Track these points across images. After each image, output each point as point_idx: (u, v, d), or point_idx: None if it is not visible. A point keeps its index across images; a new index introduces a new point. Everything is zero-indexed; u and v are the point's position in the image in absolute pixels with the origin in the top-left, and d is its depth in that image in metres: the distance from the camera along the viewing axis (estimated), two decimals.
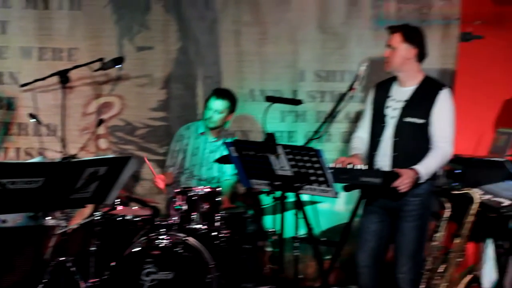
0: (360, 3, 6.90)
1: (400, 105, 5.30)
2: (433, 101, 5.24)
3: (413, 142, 5.26)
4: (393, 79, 5.45)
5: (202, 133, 6.51)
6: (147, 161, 6.27)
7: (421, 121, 5.24)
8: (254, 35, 6.86)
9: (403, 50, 5.29)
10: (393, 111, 5.31)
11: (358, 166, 5.09)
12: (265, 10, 6.86)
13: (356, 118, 6.72)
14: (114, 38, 6.78)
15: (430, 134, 5.25)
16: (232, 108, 6.47)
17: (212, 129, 6.47)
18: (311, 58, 6.90)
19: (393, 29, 5.41)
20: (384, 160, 5.29)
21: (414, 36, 5.33)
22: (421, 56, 5.34)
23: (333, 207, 6.82)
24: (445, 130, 5.24)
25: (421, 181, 5.13)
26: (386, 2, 6.93)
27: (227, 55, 6.87)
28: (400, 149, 5.26)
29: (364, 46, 6.88)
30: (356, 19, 6.91)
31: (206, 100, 6.46)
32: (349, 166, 5.13)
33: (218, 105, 6.37)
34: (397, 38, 5.31)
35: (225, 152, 6.30)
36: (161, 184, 6.25)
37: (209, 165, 6.50)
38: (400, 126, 5.27)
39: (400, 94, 5.35)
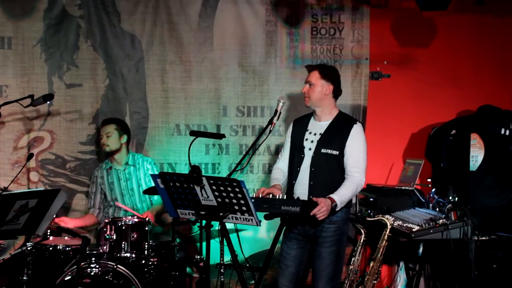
0: (277, 43, 6.97)
1: (317, 138, 5.38)
2: (347, 135, 5.33)
3: (328, 172, 5.32)
4: (310, 114, 5.54)
5: (109, 168, 6.47)
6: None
7: (335, 152, 5.31)
8: (178, 73, 6.85)
9: (320, 86, 5.38)
10: (310, 143, 5.38)
11: (278, 196, 5.11)
12: (188, 49, 6.86)
13: (276, 151, 6.78)
14: (44, 75, 6.68)
15: (344, 164, 5.32)
16: (121, 131, 6.44)
17: (111, 154, 6.44)
18: (233, 94, 6.92)
19: (311, 67, 5.53)
20: (302, 188, 5.36)
21: (330, 74, 5.44)
22: (336, 92, 5.44)
23: (256, 235, 6.82)
24: (358, 161, 5.31)
25: (337, 209, 5.17)
26: (302, 43, 7.01)
27: (153, 92, 6.83)
28: (316, 179, 5.32)
29: (282, 84, 6.95)
30: (274, 59, 6.97)
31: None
32: (264, 195, 5.16)
33: (105, 130, 6.39)
34: (314, 75, 5.41)
35: (140, 175, 6.30)
36: (65, 223, 6.17)
37: (129, 193, 6.45)
38: (317, 157, 5.33)
39: (316, 128, 5.43)
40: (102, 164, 6.57)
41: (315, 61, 6.88)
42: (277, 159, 5.68)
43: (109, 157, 6.47)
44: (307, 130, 5.46)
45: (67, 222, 6.22)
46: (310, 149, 5.38)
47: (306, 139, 5.43)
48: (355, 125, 5.36)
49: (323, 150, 5.33)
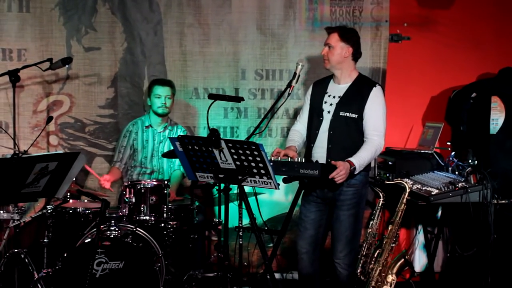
0: (296, 6, 6.91)
1: (336, 101, 5.36)
2: (366, 97, 5.30)
3: (346, 135, 5.32)
4: (330, 77, 5.51)
5: (148, 126, 6.49)
6: (88, 168, 6.22)
7: (354, 115, 5.30)
8: (197, 36, 6.82)
9: (340, 49, 5.35)
10: (329, 106, 5.37)
11: (296, 159, 5.11)
12: (207, 12, 6.83)
13: (295, 114, 6.76)
14: (63, 39, 6.68)
15: (364, 128, 5.30)
16: (174, 93, 6.53)
17: (163, 115, 6.46)
18: (251, 57, 6.89)
19: (330, 30, 5.48)
20: (320, 151, 5.36)
21: (349, 36, 5.39)
22: (356, 55, 5.41)
23: (274, 198, 6.84)
24: (377, 124, 5.29)
25: (356, 172, 5.17)
26: (321, 5, 6.95)
27: (172, 55, 6.82)
28: (335, 142, 5.32)
29: (301, 46, 6.91)
30: (293, 21, 6.91)
31: (149, 93, 6.48)
32: (284, 158, 5.17)
33: (165, 91, 6.43)
34: (334, 38, 5.38)
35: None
36: (107, 185, 6.23)
37: (159, 155, 6.49)
38: (335, 120, 5.33)
39: (336, 90, 5.41)
40: (138, 120, 6.57)
41: (334, 24, 6.84)
42: (295, 121, 5.68)
43: (162, 117, 6.48)
44: (327, 93, 5.44)
45: (108, 179, 6.25)
46: (329, 112, 5.36)
47: (325, 102, 5.41)
48: (374, 88, 5.34)
49: (342, 113, 5.32)
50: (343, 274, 5.36)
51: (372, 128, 5.29)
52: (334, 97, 5.39)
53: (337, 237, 5.37)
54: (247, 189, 5.23)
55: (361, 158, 5.18)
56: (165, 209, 5.87)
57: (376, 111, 5.30)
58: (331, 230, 5.46)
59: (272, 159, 5.12)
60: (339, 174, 5.01)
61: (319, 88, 5.52)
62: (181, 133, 6.50)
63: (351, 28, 5.67)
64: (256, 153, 4.68)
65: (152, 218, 5.85)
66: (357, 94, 5.34)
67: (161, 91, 6.41)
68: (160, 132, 6.51)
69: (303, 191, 5.43)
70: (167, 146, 6.48)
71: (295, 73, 5.41)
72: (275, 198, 6.83)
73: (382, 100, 5.35)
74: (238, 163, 4.78)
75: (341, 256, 5.35)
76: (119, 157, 6.52)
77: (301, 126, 5.59)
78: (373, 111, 5.29)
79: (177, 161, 6.46)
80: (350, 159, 5.13)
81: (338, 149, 5.29)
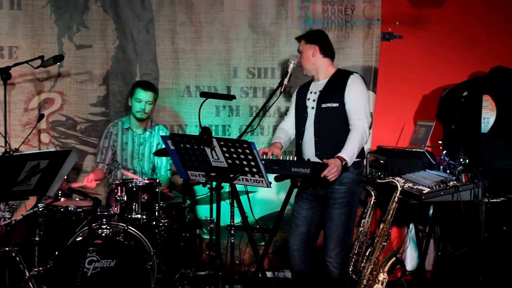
0: (288, 4, 6.92)
1: (317, 95, 5.43)
2: (344, 85, 5.35)
3: (331, 125, 5.36)
4: (312, 80, 5.58)
5: (127, 129, 6.49)
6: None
7: (335, 104, 5.35)
8: (189, 34, 6.81)
9: (307, 51, 5.48)
10: (312, 102, 5.44)
11: (288, 157, 5.12)
12: (199, 10, 6.82)
13: (286, 112, 6.73)
14: (54, 36, 6.65)
15: (347, 114, 5.31)
16: (156, 98, 6.50)
17: (141, 120, 6.44)
18: (243, 56, 6.89)
19: (299, 38, 5.62)
20: (309, 146, 5.41)
21: (313, 37, 5.53)
22: (325, 51, 5.49)
23: (266, 196, 6.84)
24: (358, 108, 5.32)
25: (349, 164, 5.18)
26: (313, 3, 6.96)
27: (164, 53, 6.80)
28: (321, 134, 5.37)
29: (293, 45, 6.81)
30: (285, 19, 6.92)
31: (131, 94, 6.46)
32: (269, 156, 5.22)
33: (147, 96, 6.39)
34: (301, 44, 5.55)
35: (153, 143, 6.31)
36: (93, 185, 6.19)
37: (139, 157, 6.47)
38: (319, 113, 5.39)
39: (316, 87, 5.51)
40: (118, 121, 6.56)
41: (326, 22, 6.86)
42: (282, 120, 5.72)
43: (139, 121, 6.46)
44: (309, 91, 5.53)
45: (92, 178, 6.21)
46: (312, 108, 5.43)
47: (308, 99, 5.49)
48: (351, 76, 5.40)
49: (323, 105, 5.37)
50: (334, 273, 5.37)
51: (353, 112, 5.31)
52: (315, 93, 5.47)
53: (328, 235, 5.38)
54: (238, 187, 5.24)
55: (350, 150, 5.19)
56: (156, 207, 5.86)
57: (354, 95, 5.33)
58: (323, 228, 5.46)
59: (264, 158, 5.13)
60: (331, 172, 5.02)
61: (303, 89, 5.62)
62: (163, 134, 6.49)
63: (317, 29, 5.83)
64: (248, 151, 4.68)
65: (144, 217, 5.84)
66: (336, 85, 5.40)
67: (143, 95, 6.38)
68: (140, 134, 6.50)
69: (295, 189, 5.44)
70: (147, 148, 6.47)
71: (287, 72, 5.44)
72: (267, 196, 6.82)
73: (360, 85, 5.38)
74: (230, 161, 4.78)
75: (333, 255, 5.35)
76: (102, 158, 6.52)
77: (287, 124, 5.67)
78: (351, 96, 5.33)
79: (163, 166, 6.49)
80: (340, 154, 5.14)
81: (325, 141, 5.35)
